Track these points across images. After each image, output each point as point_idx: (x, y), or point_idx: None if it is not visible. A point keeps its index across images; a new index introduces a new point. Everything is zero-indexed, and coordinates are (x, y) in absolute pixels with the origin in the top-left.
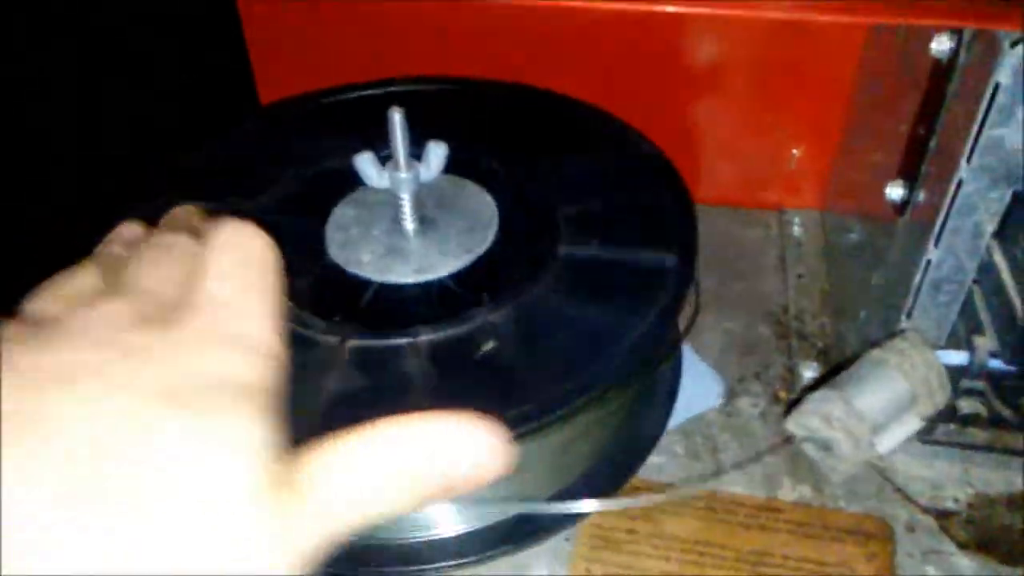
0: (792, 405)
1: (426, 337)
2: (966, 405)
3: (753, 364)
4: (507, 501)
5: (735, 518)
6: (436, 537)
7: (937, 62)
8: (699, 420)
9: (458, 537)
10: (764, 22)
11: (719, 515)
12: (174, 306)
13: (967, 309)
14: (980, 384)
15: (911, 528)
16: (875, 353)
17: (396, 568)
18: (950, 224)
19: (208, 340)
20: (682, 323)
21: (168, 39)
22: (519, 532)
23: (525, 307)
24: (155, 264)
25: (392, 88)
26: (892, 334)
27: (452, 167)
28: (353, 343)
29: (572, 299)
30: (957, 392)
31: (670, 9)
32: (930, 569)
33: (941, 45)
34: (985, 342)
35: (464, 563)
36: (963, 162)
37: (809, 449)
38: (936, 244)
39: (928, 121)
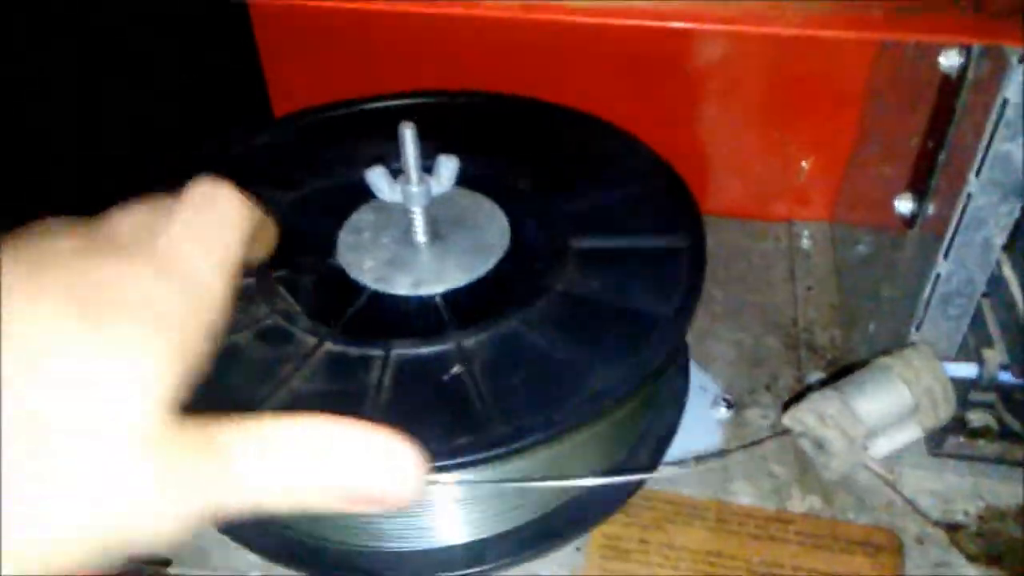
0: (793, 401)
1: (398, 351)
2: (976, 418)
3: (762, 375)
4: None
5: (745, 529)
6: (446, 545)
7: (946, 77)
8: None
9: (469, 544)
10: (774, 38)
11: (729, 526)
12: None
13: (977, 322)
14: (990, 397)
15: (920, 541)
16: (882, 360)
17: None
18: (960, 238)
19: (145, 268)
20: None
21: (168, 39)
22: (530, 541)
23: (505, 336)
24: (130, 214)
25: (438, 99)
26: (902, 345)
27: (477, 182)
28: (329, 347)
29: (553, 337)
30: (967, 405)
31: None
32: None
33: (950, 60)
34: (995, 355)
35: (474, 572)
36: (972, 176)
37: (805, 444)
38: (946, 257)
39: (937, 135)
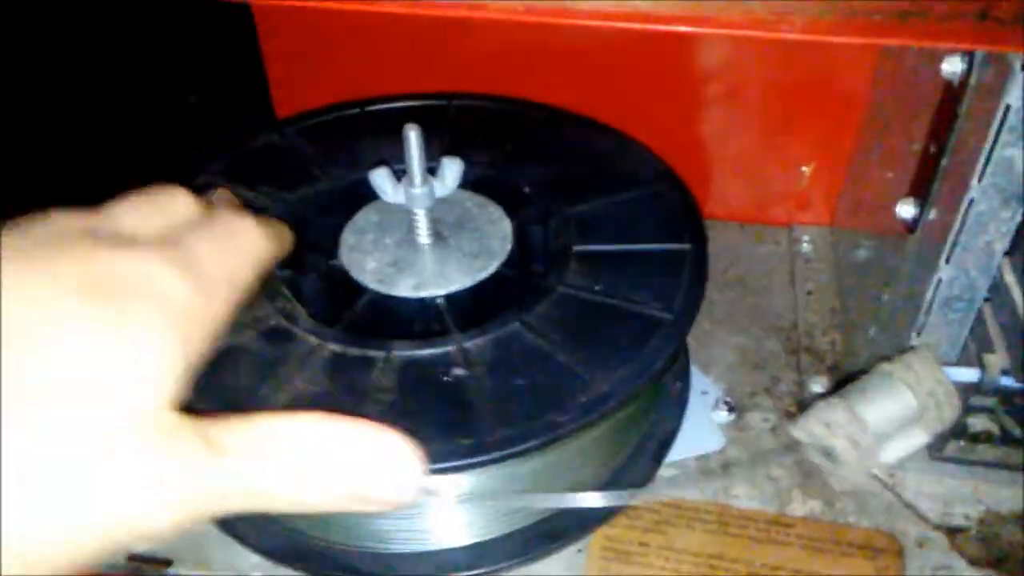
0: (799, 412)
1: (399, 353)
2: (976, 422)
3: (763, 379)
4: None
5: (746, 532)
6: (447, 547)
7: (948, 83)
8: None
9: (470, 547)
10: (776, 42)
11: (730, 529)
12: (142, 239)
13: (978, 327)
14: (991, 402)
15: (921, 544)
16: (884, 366)
17: None
18: (961, 243)
19: (160, 261)
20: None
21: (168, 39)
22: (532, 543)
23: (507, 338)
24: (138, 205)
25: (441, 102)
26: (903, 351)
27: (479, 185)
28: (331, 347)
29: (554, 339)
30: (968, 409)
31: (685, 29)
32: None
33: (952, 66)
34: (996, 360)
35: (475, 574)
36: (974, 182)
37: (814, 456)
38: (947, 262)
39: (940, 140)
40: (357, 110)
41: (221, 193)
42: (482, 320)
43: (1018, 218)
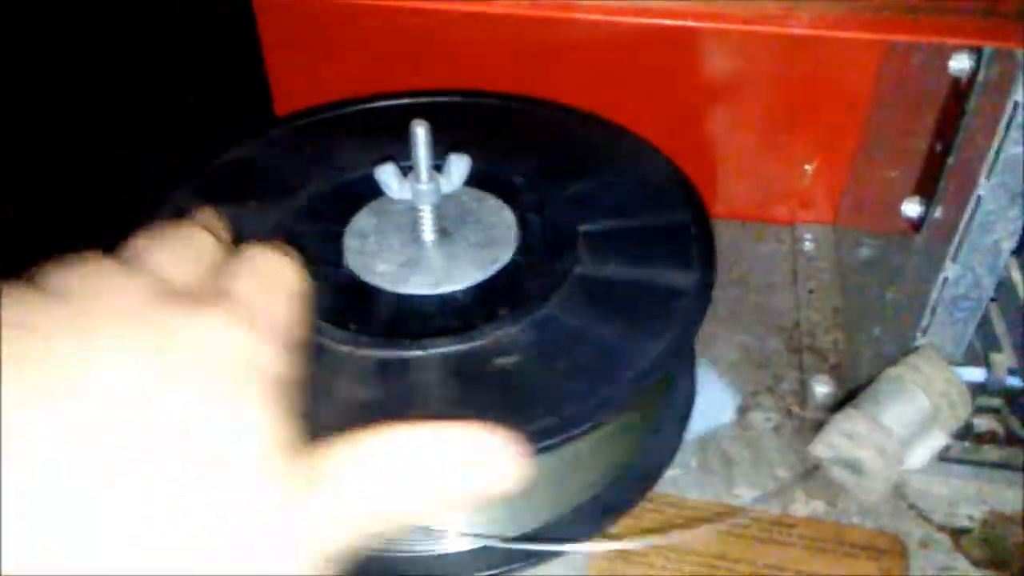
0: (813, 427)
1: (442, 349)
2: (981, 423)
3: (765, 378)
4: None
5: (749, 532)
6: (451, 551)
7: (955, 80)
8: (712, 434)
9: (473, 552)
10: (780, 39)
11: (733, 529)
12: (194, 291)
13: (984, 326)
14: (996, 402)
15: (925, 545)
16: (893, 371)
17: None
18: (968, 241)
19: (233, 324)
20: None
21: (168, 39)
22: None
23: (541, 323)
24: (172, 250)
25: (417, 100)
26: (907, 350)
27: (475, 180)
28: (368, 353)
29: (588, 316)
30: (973, 410)
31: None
32: None
33: (960, 63)
34: (1003, 359)
35: None
36: (982, 179)
37: (838, 474)
38: (954, 260)
39: (946, 138)
40: (329, 113)
41: (204, 214)
42: (505, 310)
43: None
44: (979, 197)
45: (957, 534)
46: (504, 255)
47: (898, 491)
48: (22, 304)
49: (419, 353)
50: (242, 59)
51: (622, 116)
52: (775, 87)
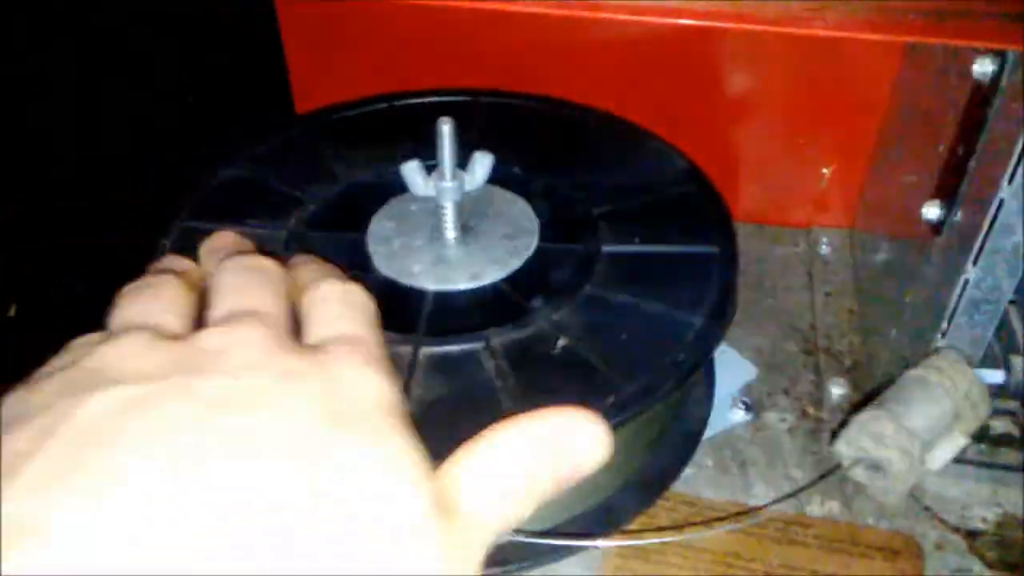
0: (836, 427)
1: (498, 339)
2: (997, 425)
3: (781, 380)
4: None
5: (764, 531)
6: None
7: (978, 84)
8: (728, 434)
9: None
10: (799, 42)
11: (749, 528)
12: (289, 327)
13: (1003, 328)
14: (1013, 404)
15: (940, 547)
16: (915, 372)
17: None
18: (989, 244)
19: (355, 364)
20: None
21: (168, 39)
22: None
23: (589, 302)
24: (260, 286)
25: (404, 101)
26: (926, 353)
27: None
28: (428, 351)
29: (629, 291)
30: (990, 412)
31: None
32: None
33: (983, 67)
34: (1021, 361)
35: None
36: (1004, 183)
37: (858, 475)
38: (975, 263)
39: (968, 142)
40: (318, 122)
41: (226, 235)
42: (548, 294)
43: None
44: (1001, 200)
45: (972, 536)
46: (531, 243)
47: (913, 493)
48: (163, 358)
49: (475, 346)
50: (242, 59)
51: (641, 116)
52: (793, 91)
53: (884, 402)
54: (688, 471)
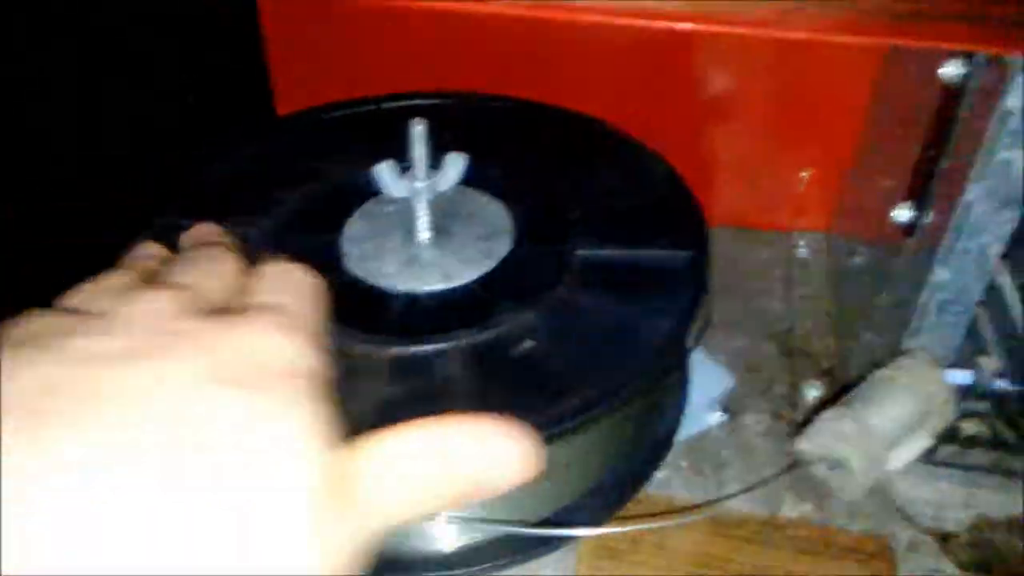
0: (800, 426)
1: (464, 341)
2: (969, 426)
3: (758, 382)
4: (498, 522)
5: (738, 533)
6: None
7: (947, 87)
8: (703, 436)
9: (461, 549)
10: (777, 47)
11: (722, 530)
12: (221, 305)
13: (973, 330)
14: (983, 406)
15: (913, 548)
16: (882, 372)
17: None
18: (958, 246)
19: (267, 330)
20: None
21: (168, 39)
22: (522, 544)
23: (556, 306)
24: (195, 264)
25: (392, 104)
26: (898, 354)
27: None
28: (392, 351)
29: (598, 297)
30: (960, 414)
31: (689, 27)
32: None
33: (952, 70)
34: (991, 362)
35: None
36: (971, 184)
37: (818, 470)
38: (943, 265)
39: (938, 143)
40: (308, 118)
41: (203, 229)
42: (519, 295)
43: (1015, 221)
44: (968, 202)
45: (945, 538)
46: (504, 245)
47: (886, 494)
48: (60, 327)
49: (441, 347)
50: (242, 59)
51: (620, 119)
52: (772, 95)
53: (848, 401)
54: (663, 473)
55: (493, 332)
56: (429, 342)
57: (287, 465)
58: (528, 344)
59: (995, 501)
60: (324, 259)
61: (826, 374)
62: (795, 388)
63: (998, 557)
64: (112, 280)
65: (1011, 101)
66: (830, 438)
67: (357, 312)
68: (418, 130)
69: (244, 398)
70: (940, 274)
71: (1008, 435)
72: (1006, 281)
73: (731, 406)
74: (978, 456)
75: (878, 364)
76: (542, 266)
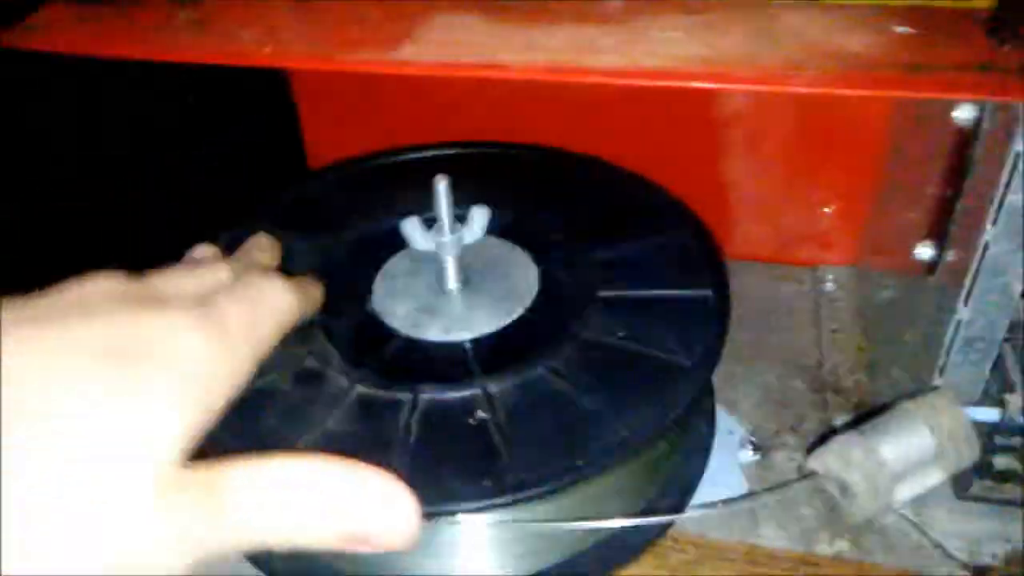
0: (818, 443)
1: (425, 396)
2: (1001, 461)
3: (788, 418)
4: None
5: (773, 572)
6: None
7: (961, 129)
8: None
9: None
10: (794, 96)
11: (757, 568)
12: (176, 298)
13: (999, 367)
14: (1015, 441)
15: None
16: (905, 404)
17: None
18: (979, 284)
19: (186, 325)
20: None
21: (204, 114)
22: None
23: (528, 383)
24: (176, 272)
25: (468, 150)
26: (926, 390)
27: (507, 232)
28: (361, 390)
29: (578, 384)
30: (992, 448)
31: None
32: None
33: (964, 113)
34: (1016, 399)
35: None
36: (988, 225)
37: (830, 486)
38: (966, 304)
39: (954, 184)
40: (388, 159)
41: (258, 238)
42: (507, 364)
43: None
44: (987, 242)
45: (981, 572)
46: (517, 310)
47: (921, 529)
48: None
49: (406, 396)
50: (276, 124)
51: (646, 166)
52: (796, 137)
53: (865, 428)
54: (696, 512)
55: (453, 395)
56: (397, 389)
57: (133, 456)
58: (482, 415)
59: None
60: (359, 287)
61: (858, 409)
62: (827, 424)
63: None
64: (101, 273)
65: (1019, 146)
66: (837, 461)
67: (354, 343)
68: (441, 187)
69: (121, 380)
70: (963, 312)
71: None
72: None
73: (762, 443)
74: (1012, 490)
75: (906, 398)
76: (540, 339)
